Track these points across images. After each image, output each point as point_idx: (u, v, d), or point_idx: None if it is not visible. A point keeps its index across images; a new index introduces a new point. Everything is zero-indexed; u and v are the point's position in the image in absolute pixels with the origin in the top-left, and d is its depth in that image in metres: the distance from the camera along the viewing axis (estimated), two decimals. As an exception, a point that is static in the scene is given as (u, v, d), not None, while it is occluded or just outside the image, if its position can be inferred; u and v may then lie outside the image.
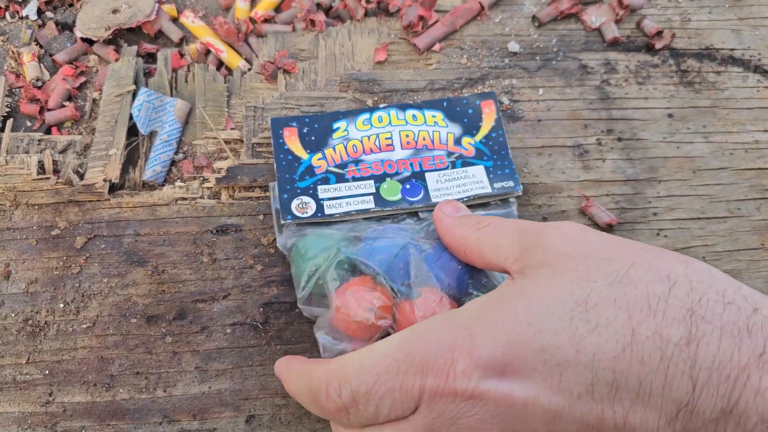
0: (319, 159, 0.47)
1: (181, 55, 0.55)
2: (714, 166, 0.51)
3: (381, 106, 0.49)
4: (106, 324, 0.44)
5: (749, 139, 0.52)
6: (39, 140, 0.50)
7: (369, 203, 0.45)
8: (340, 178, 0.46)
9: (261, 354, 0.44)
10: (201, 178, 0.49)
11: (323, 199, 0.45)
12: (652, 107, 0.53)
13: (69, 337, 0.44)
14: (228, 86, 0.52)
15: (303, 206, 0.45)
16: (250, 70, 0.54)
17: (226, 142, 0.50)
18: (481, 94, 0.50)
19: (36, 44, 0.55)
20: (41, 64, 0.53)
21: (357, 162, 0.47)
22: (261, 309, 0.45)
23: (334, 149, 0.47)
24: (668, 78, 0.54)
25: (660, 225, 0.49)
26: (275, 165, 0.47)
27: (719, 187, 0.51)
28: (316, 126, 0.48)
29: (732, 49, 0.56)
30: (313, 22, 0.55)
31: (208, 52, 0.55)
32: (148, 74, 0.53)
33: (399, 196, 0.46)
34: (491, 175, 0.47)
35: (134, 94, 0.51)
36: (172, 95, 0.52)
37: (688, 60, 0.55)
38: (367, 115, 0.48)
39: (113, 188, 0.48)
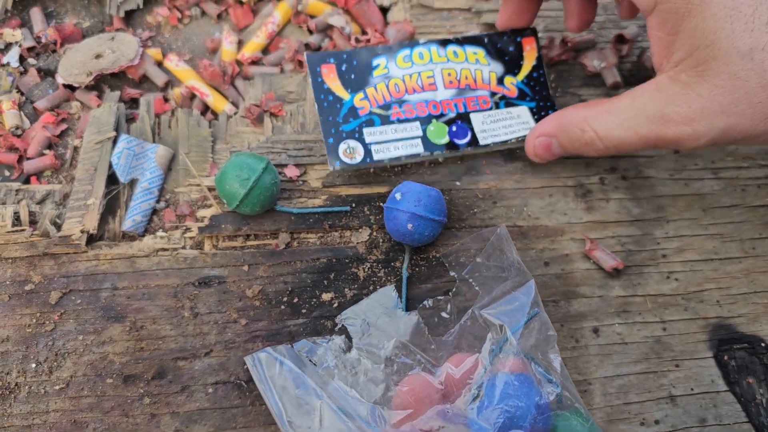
0: (361, 99, 0.45)
1: (166, 100, 0.53)
2: (725, 204, 0.48)
3: (421, 41, 0.48)
4: (81, 385, 0.42)
5: (761, 173, 0.50)
6: (17, 190, 0.48)
7: (417, 147, 0.45)
8: (385, 120, 0.45)
9: (245, 415, 0.41)
10: (183, 228, 0.47)
11: (370, 144, 0.44)
12: (656, 143, 0.50)
13: (41, 400, 0.41)
14: (213, 131, 0.50)
15: (350, 151, 0.44)
16: (236, 114, 0.52)
17: (210, 189, 0.47)
18: (522, 30, 0.48)
19: (17, 91, 0.53)
20: (22, 112, 0.52)
21: (401, 102, 0.45)
22: (245, 366, 0.42)
23: (375, 88, 0.45)
24: (673, 112, 0.52)
25: (670, 267, 0.46)
26: (316, 106, 0.45)
27: (732, 226, 0.48)
28: (355, 63, 0.46)
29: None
30: (301, 63, 0.53)
31: (193, 96, 0.53)
32: (131, 120, 0.51)
33: (446, 139, 0.45)
34: (536, 117, 0.46)
35: (115, 141, 0.49)
36: (154, 141, 0.50)
37: (693, 93, 0.53)
38: (407, 51, 0.46)
39: (91, 239, 0.46)
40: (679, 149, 0.37)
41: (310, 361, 0.40)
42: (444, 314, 0.42)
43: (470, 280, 0.43)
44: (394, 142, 0.44)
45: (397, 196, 0.43)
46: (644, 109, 0.36)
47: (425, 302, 0.43)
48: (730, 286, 0.46)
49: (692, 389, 0.43)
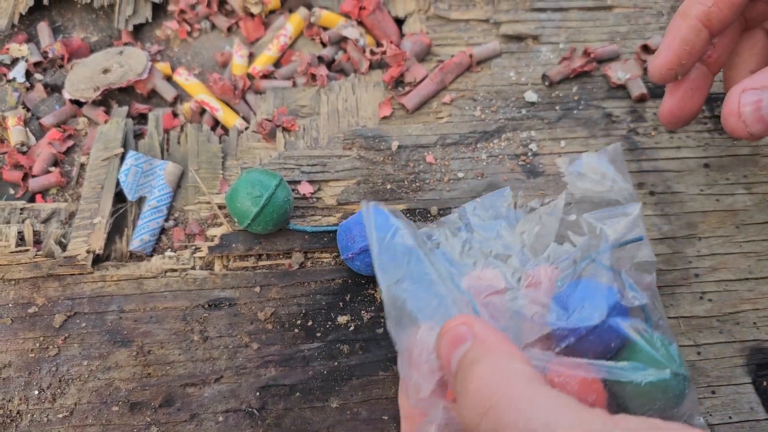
0: None
1: (175, 115, 0.51)
2: (759, 220, 0.46)
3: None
4: (85, 413, 0.40)
5: (796, 188, 0.47)
6: (21, 209, 0.47)
7: None
8: None
9: (257, 446, 0.39)
10: (193, 247, 0.45)
11: None
12: (686, 157, 0.48)
13: (44, 429, 0.39)
14: (223, 147, 0.49)
15: None
16: (247, 129, 0.50)
17: (221, 207, 0.46)
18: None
19: (23, 107, 0.52)
20: (27, 128, 0.50)
21: None
22: (257, 393, 0.40)
23: None
24: (702, 125, 0.50)
25: (703, 287, 0.44)
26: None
27: (767, 243, 0.45)
28: None
29: (769, 92, 0.52)
30: (314, 77, 0.51)
31: (203, 111, 0.52)
32: (139, 136, 0.50)
33: None
34: None
35: (122, 158, 0.47)
36: (163, 157, 0.48)
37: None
38: None
39: (97, 260, 0.44)
40: None
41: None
42: None
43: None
44: None
45: (341, 245, 0.42)
46: None
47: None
48: (767, 308, 0.44)
49: (730, 417, 0.41)
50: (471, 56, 0.52)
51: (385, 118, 0.50)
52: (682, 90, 0.40)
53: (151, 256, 0.45)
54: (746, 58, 0.40)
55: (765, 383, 0.42)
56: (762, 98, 0.33)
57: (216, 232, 0.45)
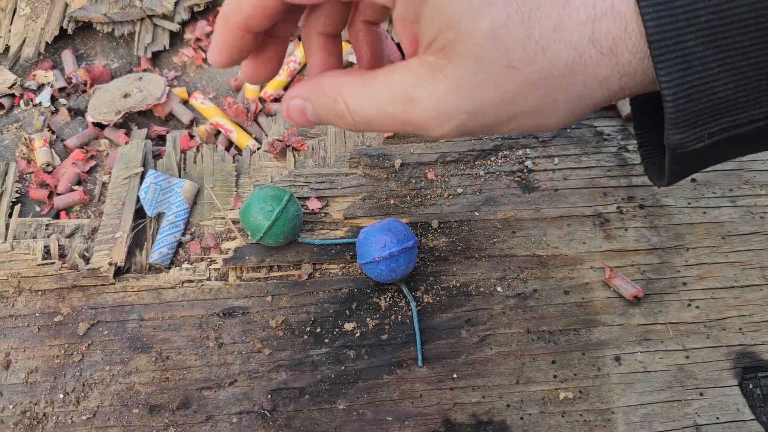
0: None
1: (191, 137, 0.54)
2: (744, 231, 0.49)
3: None
4: (107, 415, 0.42)
5: (779, 202, 0.50)
6: (47, 225, 0.50)
7: None
8: None
9: (269, 445, 0.41)
10: (208, 260, 0.48)
11: None
12: (673, 172, 0.51)
13: (68, 430, 0.42)
14: (237, 165, 0.52)
15: None
16: (259, 149, 0.53)
17: (234, 222, 0.49)
18: None
19: (48, 130, 0.55)
20: (52, 150, 0.54)
21: None
22: (269, 396, 0.43)
23: None
24: (688, 142, 0.53)
25: (691, 295, 0.46)
26: None
27: (751, 253, 0.48)
28: None
29: (753, 111, 0.54)
30: (322, 99, 0.54)
31: (217, 132, 0.55)
32: (158, 156, 0.53)
33: None
34: None
35: (142, 176, 0.50)
36: (180, 176, 0.51)
37: (708, 123, 0.54)
38: None
39: (119, 272, 0.47)
40: (425, 134, 0.34)
41: None
42: None
43: None
44: None
45: (361, 250, 0.44)
46: (393, 87, 0.33)
47: None
48: (753, 314, 0.46)
49: (718, 418, 0.43)
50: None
51: (388, 137, 0.53)
52: (255, 61, 0.40)
53: (170, 268, 0.47)
54: (314, 20, 0.40)
55: (751, 385, 0.44)
56: (306, 107, 0.38)
57: (230, 245, 0.48)
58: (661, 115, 0.31)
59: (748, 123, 0.30)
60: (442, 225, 0.49)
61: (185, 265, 0.47)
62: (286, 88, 0.57)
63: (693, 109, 0.29)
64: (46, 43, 0.59)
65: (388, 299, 0.46)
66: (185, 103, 0.57)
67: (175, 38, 0.61)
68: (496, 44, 0.30)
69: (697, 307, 0.46)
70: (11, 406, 0.43)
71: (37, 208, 0.51)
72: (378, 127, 0.35)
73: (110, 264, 0.47)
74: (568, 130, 0.53)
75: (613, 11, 0.29)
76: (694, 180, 0.50)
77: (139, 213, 0.50)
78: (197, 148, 0.53)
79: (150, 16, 0.60)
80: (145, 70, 0.59)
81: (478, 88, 0.31)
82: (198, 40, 0.60)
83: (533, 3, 0.29)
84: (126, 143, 0.53)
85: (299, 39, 0.60)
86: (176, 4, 0.60)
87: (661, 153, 0.34)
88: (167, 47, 0.60)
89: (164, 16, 0.60)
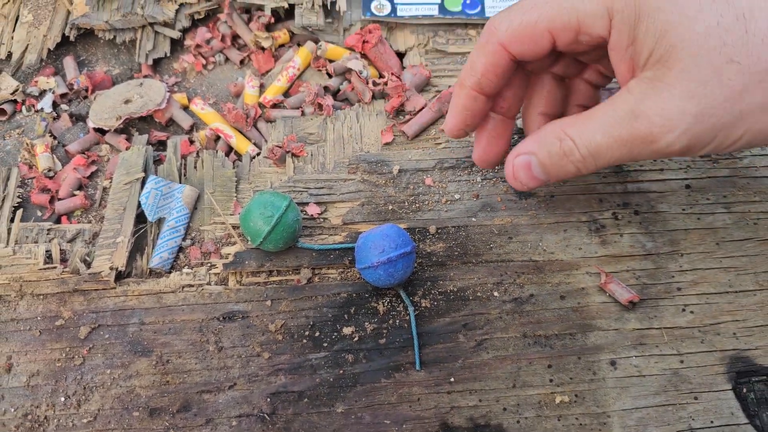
0: None
1: (191, 142, 0.55)
2: (738, 237, 0.49)
3: None
4: (108, 418, 0.43)
5: (773, 208, 0.50)
6: (48, 230, 0.50)
7: (434, 11, 0.55)
8: None
9: (268, 448, 0.42)
10: (208, 264, 0.48)
11: (397, 3, 0.55)
12: (668, 179, 0.51)
13: (69, 433, 0.42)
14: (237, 171, 0.52)
15: (380, 6, 0.55)
16: (258, 155, 0.54)
17: (234, 227, 0.49)
18: None
19: (50, 135, 0.56)
20: (54, 155, 0.54)
21: None
22: (268, 399, 0.43)
23: None
24: (683, 149, 0.53)
25: (685, 300, 0.47)
26: None
27: (745, 259, 0.48)
28: None
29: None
30: (321, 106, 0.55)
31: (217, 138, 0.56)
32: (159, 161, 0.53)
33: (459, 8, 0.55)
34: None
35: (143, 182, 0.51)
36: (180, 181, 0.52)
37: (703, 130, 0.54)
38: None
39: (120, 276, 0.48)
40: (655, 149, 0.34)
41: None
42: None
43: None
44: (415, 5, 0.55)
45: (360, 255, 0.44)
46: (616, 110, 0.34)
47: None
48: (746, 319, 0.46)
49: (712, 422, 0.43)
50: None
51: (387, 144, 0.53)
52: (485, 139, 0.45)
53: (170, 272, 0.48)
54: (536, 102, 0.44)
55: (745, 390, 0.44)
56: (530, 161, 0.40)
57: (230, 250, 0.48)
58: None
59: None
60: (439, 230, 0.49)
61: (185, 270, 0.48)
62: (285, 93, 0.58)
63: None
64: (48, 49, 0.59)
65: (386, 304, 0.46)
66: (185, 108, 0.58)
67: (176, 45, 0.62)
68: (713, 42, 0.30)
69: (692, 312, 0.47)
70: (13, 410, 0.43)
71: (39, 213, 0.52)
72: (607, 157, 0.36)
73: (111, 268, 0.47)
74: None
75: None
76: (688, 186, 0.51)
77: (140, 218, 0.50)
78: (197, 154, 0.54)
79: (151, 24, 0.60)
80: (145, 77, 0.59)
81: (701, 86, 0.31)
82: (198, 46, 0.61)
83: (745, 3, 0.30)
84: (127, 148, 0.54)
85: (298, 45, 0.61)
86: (177, 11, 0.61)
87: None
88: (168, 54, 0.60)
89: (165, 24, 0.60)
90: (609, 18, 0.33)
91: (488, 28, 0.38)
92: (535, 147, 0.39)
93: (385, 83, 0.55)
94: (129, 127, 0.57)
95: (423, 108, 0.54)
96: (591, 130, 0.35)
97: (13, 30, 0.60)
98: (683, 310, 0.47)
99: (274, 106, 0.57)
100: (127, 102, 0.56)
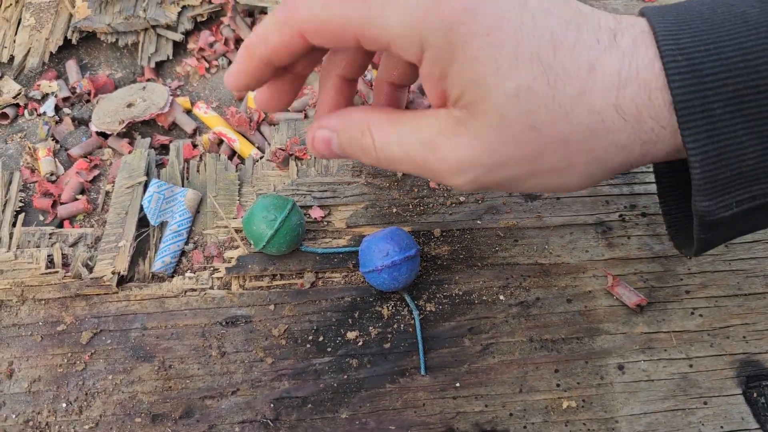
0: None
1: (194, 146, 0.55)
2: (747, 239, 0.49)
3: None
4: (110, 424, 0.42)
5: (782, 210, 0.50)
6: (50, 234, 0.50)
7: None
8: None
9: (271, 454, 0.41)
10: (211, 268, 0.48)
11: None
12: (675, 181, 0.51)
13: (71, 440, 0.42)
14: (240, 175, 0.52)
15: None
16: (262, 158, 0.53)
17: (237, 231, 0.49)
18: None
19: (52, 139, 0.55)
20: (56, 159, 0.54)
21: None
22: (272, 405, 0.43)
23: None
24: (690, 150, 0.53)
25: (694, 303, 0.46)
26: None
27: (754, 261, 0.48)
28: None
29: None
30: (324, 109, 0.55)
31: (220, 141, 0.55)
32: (161, 165, 0.53)
33: None
34: None
35: (146, 185, 0.50)
36: (183, 185, 0.51)
37: (710, 131, 0.54)
38: None
39: (122, 281, 0.47)
40: (443, 183, 0.35)
41: None
42: None
43: None
44: None
45: (364, 259, 0.44)
46: (420, 132, 0.34)
47: None
48: (756, 322, 0.46)
49: (722, 427, 0.43)
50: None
51: (391, 146, 0.53)
52: (270, 90, 0.41)
53: (173, 276, 0.48)
54: (336, 63, 0.40)
55: (755, 394, 0.44)
56: (332, 139, 0.38)
57: (233, 254, 0.48)
58: (688, 182, 0.31)
59: None
60: (444, 233, 0.49)
61: (188, 274, 0.47)
62: (288, 97, 0.58)
63: (721, 176, 0.29)
64: (51, 53, 0.59)
65: (390, 308, 0.46)
66: (188, 112, 0.58)
67: (179, 48, 0.61)
68: (520, 105, 0.30)
69: (701, 315, 0.46)
70: (14, 416, 0.43)
71: (41, 217, 0.52)
72: (398, 167, 0.36)
73: (113, 273, 0.47)
74: (570, 139, 0.53)
75: (638, 79, 0.29)
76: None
77: (143, 222, 0.50)
78: (200, 157, 0.54)
79: (154, 27, 0.60)
80: (148, 80, 0.59)
81: (498, 144, 0.32)
82: (201, 50, 0.60)
83: (559, 67, 0.30)
84: (129, 152, 0.53)
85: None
86: (180, 14, 0.60)
87: (688, 220, 0.34)
88: (170, 57, 0.60)
89: (168, 27, 0.60)
90: (421, 50, 0.31)
91: (288, 7, 0.35)
92: (339, 127, 0.38)
93: (389, 85, 0.55)
94: (132, 131, 0.56)
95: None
96: (391, 140, 0.35)
97: (15, 33, 0.60)
98: (692, 313, 0.46)
99: (277, 109, 0.57)
100: (129, 106, 0.56)
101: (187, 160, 0.53)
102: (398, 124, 0.35)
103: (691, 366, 0.44)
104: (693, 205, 0.31)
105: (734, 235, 0.34)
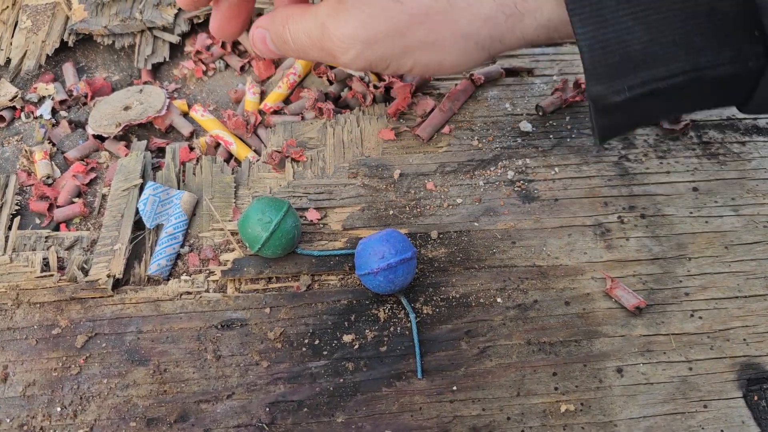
0: None
1: (191, 149, 0.54)
2: (747, 241, 0.48)
3: None
4: (104, 428, 0.42)
5: (783, 211, 0.49)
6: (46, 237, 0.50)
7: None
8: None
9: (266, 459, 0.41)
10: (207, 271, 0.47)
11: None
12: (675, 181, 0.50)
13: (65, 444, 0.42)
14: (236, 177, 0.52)
15: None
16: (258, 160, 0.53)
17: (233, 233, 0.48)
18: None
19: (49, 142, 0.55)
20: (53, 162, 0.54)
21: None
22: (267, 409, 0.42)
23: None
24: (690, 150, 0.52)
25: (693, 306, 0.46)
26: None
27: (755, 263, 0.47)
28: None
29: (755, 119, 0.54)
30: (321, 111, 0.54)
31: (217, 144, 0.55)
32: (157, 168, 0.53)
33: None
34: None
35: (141, 188, 0.50)
36: (179, 188, 0.51)
37: (710, 131, 0.53)
38: None
39: (117, 284, 0.47)
40: (340, 64, 0.39)
41: None
42: None
43: None
44: None
45: (360, 262, 0.44)
46: (317, 16, 0.38)
47: None
48: (757, 324, 0.45)
49: (722, 430, 0.42)
50: (473, 77, 0.55)
51: (388, 141, 0.52)
52: (220, 16, 0.44)
53: (168, 279, 0.47)
54: None
55: (756, 397, 0.43)
56: (266, 36, 0.42)
57: (229, 256, 0.47)
58: None
59: (668, 77, 0.31)
60: (441, 235, 0.48)
61: (184, 277, 0.47)
62: (286, 100, 0.58)
63: (609, 61, 0.31)
64: (47, 55, 0.59)
65: (387, 311, 0.45)
66: (185, 115, 0.57)
67: (175, 50, 0.61)
68: None
69: (700, 317, 0.45)
70: (8, 420, 0.42)
71: (37, 221, 0.51)
72: (309, 55, 0.40)
73: (109, 276, 0.46)
74: (568, 140, 0.53)
75: None
76: (695, 189, 0.50)
77: (138, 225, 0.49)
78: (197, 160, 0.53)
79: (150, 29, 0.60)
80: (145, 83, 0.59)
81: (369, 17, 0.35)
82: (198, 52, 0.60)
83: None
84: (126, 155, 0.53)
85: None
86: (176, 16, 0.60)
87: None
88: (167, 59, 0.60)
89: (164, 29, 0.60)
90: None
91: None
92: (267, 25, 0.41)
93: (390, 84, 0.55)
94: (128, 134, 0.56)
95: (433, 109, 0.54)
96: (301, 29, 0.39)
97: (12, 36, 0.60)
98: (691, 315, 0.46)
99: (275, 112, 0.57)
100: (126, 109, 0.55)
101: (183, 163, 0.53)
102: (306, 15, 0.39)
103: (690, 369, 0.44)
104: (587, 91, 0.32)
105: (633, 123, 0.36)
